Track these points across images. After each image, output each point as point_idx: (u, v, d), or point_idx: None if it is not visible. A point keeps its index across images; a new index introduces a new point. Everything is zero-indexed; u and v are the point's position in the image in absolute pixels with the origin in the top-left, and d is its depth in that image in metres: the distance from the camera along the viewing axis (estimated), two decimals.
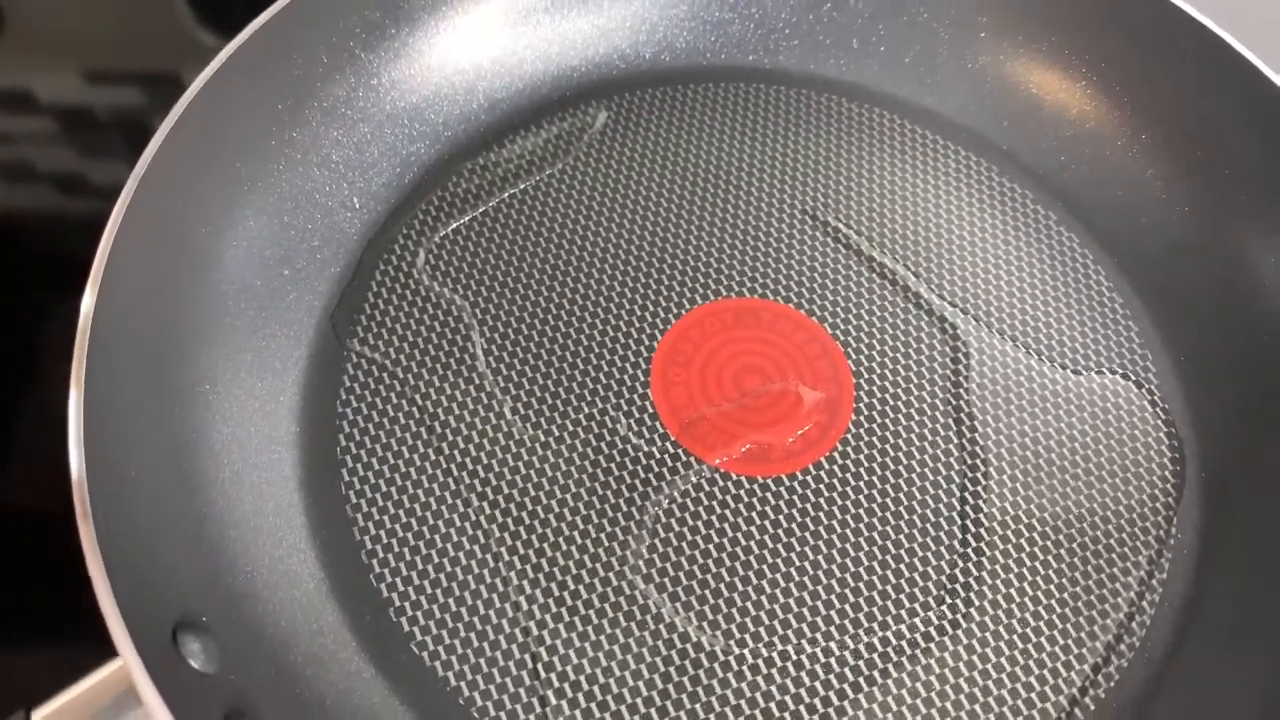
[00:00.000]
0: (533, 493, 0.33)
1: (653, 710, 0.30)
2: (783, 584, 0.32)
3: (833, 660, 0.31)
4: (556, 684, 0.30)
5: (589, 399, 0.35)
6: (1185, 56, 0.38)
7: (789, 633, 0.31)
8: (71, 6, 0.51)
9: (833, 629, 0.31)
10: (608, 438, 0.34)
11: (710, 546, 0.32)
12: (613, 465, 0.33)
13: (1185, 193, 0.39)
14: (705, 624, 0.31)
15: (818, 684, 0.30)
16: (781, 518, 0.33)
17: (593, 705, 0.30)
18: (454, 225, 0.38)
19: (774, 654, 0.31)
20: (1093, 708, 0.31)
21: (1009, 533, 0.33)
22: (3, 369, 0.39)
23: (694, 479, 0.33)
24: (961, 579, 0.32)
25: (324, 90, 0.37)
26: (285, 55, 0.35)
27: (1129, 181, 0.40)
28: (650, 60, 0.43)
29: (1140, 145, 0.40)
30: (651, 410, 0.35)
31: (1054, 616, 0.32)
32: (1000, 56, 0.42)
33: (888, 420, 0.35)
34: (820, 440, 0.34)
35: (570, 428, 0.34)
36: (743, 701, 0.30)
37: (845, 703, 0.30)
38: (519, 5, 0.41)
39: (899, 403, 0.35)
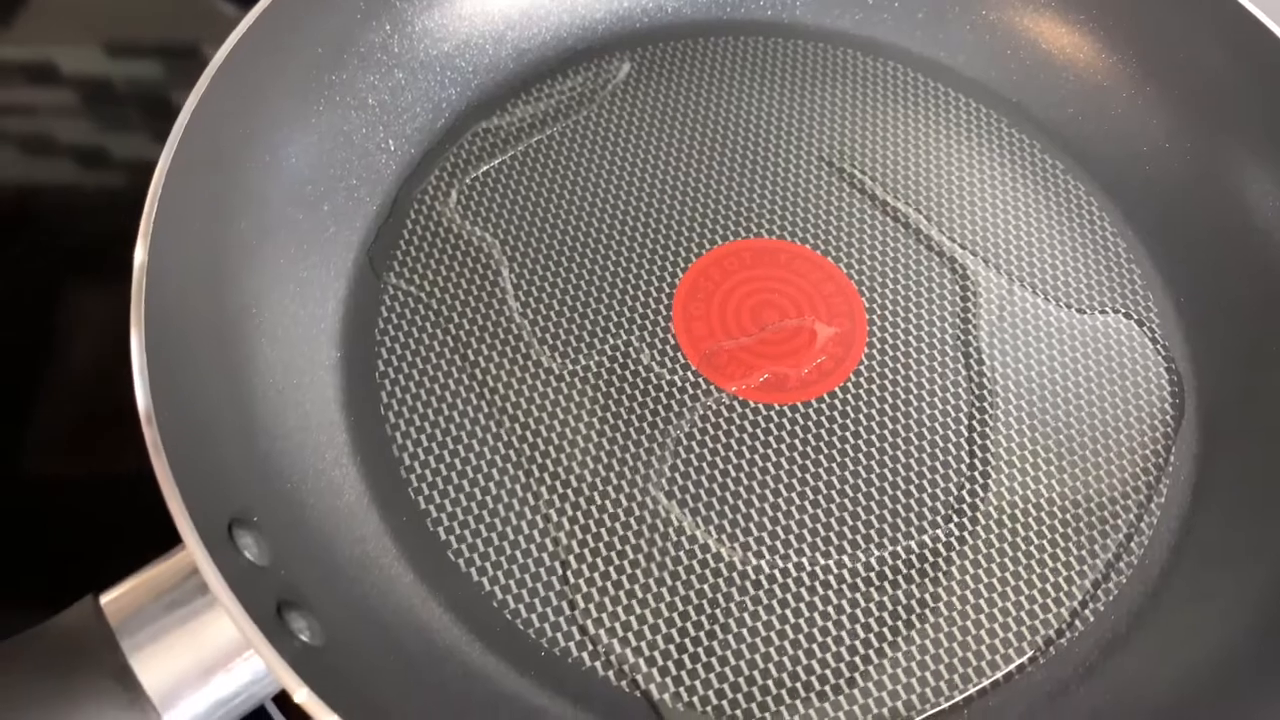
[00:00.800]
0: (560, 416, 0.35)
1: (675, 614, 0.31)
2: (798, 501, 0.33)
3: (845, 572, 0.32)
4: (585, 589, 0.32)
5: (614, 331, 0.36)
6: (1188, 9, 0.39)
7: (804, 546, 0.33)
8: None
9: (845, 544, 0.33)
10: (631, 367, 0.36)
11: (729, 467, 0.34)
12: (636, 392, 0.35)
13: (1187, 142, 0.40)
14: (724, 536, 0.33)
15: (830, 593, 0.32)
16: (797, 441, 0.34)
17: (619, 609, 0.31)
18: (484, 168, 0.40)
19: (789, 565, 0.32)
20: (1092, 619, 0.32)
21: (1015, 458, 0.35)
22: (24, 339, 0.40)
23: (713, 405, 0.35)
24: (969, 499, 0.34)
25: (362, 36, 0.38)
26: (325, 1, 0.37)
27: (1134, 131, 0.41)
28: (672, 14, 0.44)
29: (1145, 97, 0.41)
30: (673, 342, 0.36)
31: (1057, 536, 0.34)
32: (1009, 12, 0.44)
33: (899, 353, 0.37)
34: (834, 371, 0.36)
35: (596, 357, 0.36)
36: (759, 608, 0.32)
37: (857, 610, 0.32)
38: None
39: (910, 337, 0.37)
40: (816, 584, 0.32)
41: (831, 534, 0.33)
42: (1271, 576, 0.32)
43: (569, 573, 0.32)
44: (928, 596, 0.32)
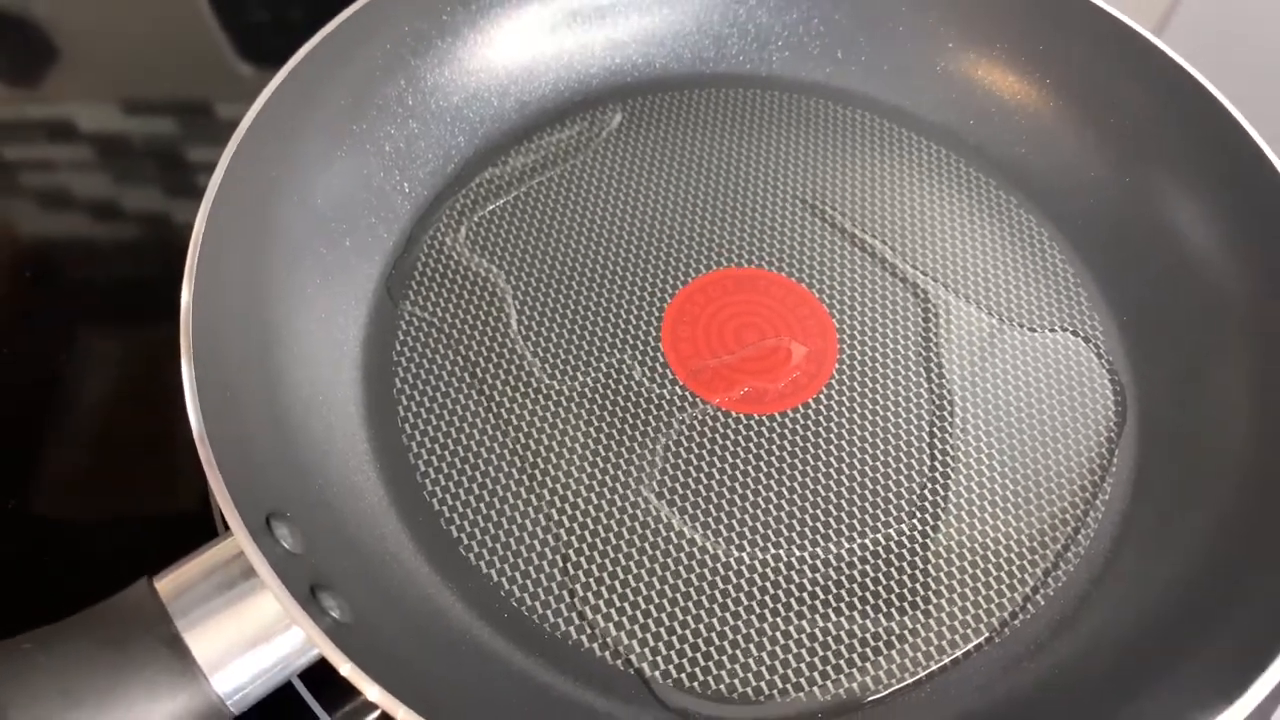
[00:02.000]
0: (560, 427, 0.38)
1: (664, 601, 0.35)
2: (775, 500, 0.37)
3: (818, 562, 0.36)
4: (583, 579, 0.35)
5: (609, 351, 0.40)
6: (1118, 56, 0.44)
7: (780, 539, 0.36)
8: (119, 39, 0.57)
9: (818, 537, 0.36)
10: (625, 382, 0.39)
11: (713, 470, 0.37)
12: (629, 404, 0.39)
13: (1126, 177, 0.44)
14: (709, 532, 0.36)
15: (805, 581, 0.35)
16: (774, 447, 0.38)
17: (614, 596, 0.35)
18: (490, 207, 0.44)
19: (768, 556, 0.36)
20: (1043, 603, 0.36)
21: (972, 461, 0.38)
22: (41, 381, 0.44)
23: (699, 416, 0.39)
24: (930, 498, 0.37)
25: (380, 90, 0.43)
26: (348, 58, 0.41)
27: (1078, 168, 0.45)
28: (660, 69, 0.49)
29: (1086, 137, 0.45)
30: (662, 360, 0.40)
31: (1011, 529, 0.37)
32: (965, 64, 0.48)
33: (867, 369, 0.40)
34: (808, 385, 0.40)
35: (592, 374, 0.39)
36: (740, 594, 0.35)
37: (829, 596, 0.35)
38: (547, 21, 0.47)
39: (877, 355, 0.41)
40: (792, 573, 0.36)
41: (805, 529, 0.36)
42: (1199, 565, 0.35)
43: (569, 565, 0.35)
44: (894, 584, 0.36)
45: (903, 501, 0.37)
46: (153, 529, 0.39)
